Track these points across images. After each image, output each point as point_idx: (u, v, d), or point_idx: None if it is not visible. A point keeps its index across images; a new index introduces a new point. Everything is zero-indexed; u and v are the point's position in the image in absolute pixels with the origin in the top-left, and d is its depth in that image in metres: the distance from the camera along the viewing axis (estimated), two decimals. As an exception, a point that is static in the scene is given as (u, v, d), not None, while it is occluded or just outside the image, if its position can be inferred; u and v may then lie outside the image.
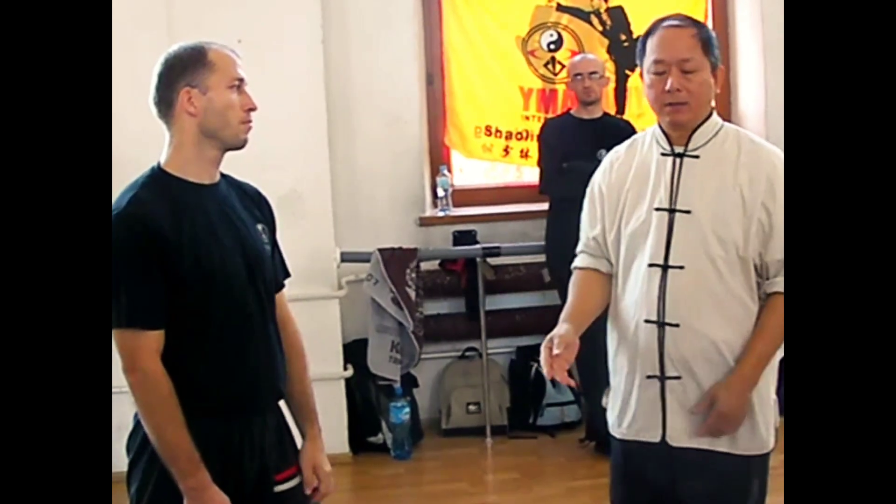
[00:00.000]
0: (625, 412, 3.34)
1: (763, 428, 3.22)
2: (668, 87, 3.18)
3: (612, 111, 6.90)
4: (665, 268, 3.20)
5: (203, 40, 3.09)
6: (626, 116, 6.99)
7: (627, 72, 7.21)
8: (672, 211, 3.20)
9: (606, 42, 7.22)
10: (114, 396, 6.06)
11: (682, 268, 3.18)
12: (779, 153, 3.19)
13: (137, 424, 3.04)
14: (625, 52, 7.17)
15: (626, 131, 5.50)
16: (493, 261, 6.59)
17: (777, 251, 3.12)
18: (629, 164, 3.34)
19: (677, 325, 3.18)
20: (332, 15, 6.54)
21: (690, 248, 3.18)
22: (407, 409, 6.47)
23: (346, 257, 6.44)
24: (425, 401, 6.98)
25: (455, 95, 7.19)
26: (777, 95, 6.93)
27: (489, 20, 7.18)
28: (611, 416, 3.40)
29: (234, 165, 3.23)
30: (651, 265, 3.21)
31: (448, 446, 6.66)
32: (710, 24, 7.29)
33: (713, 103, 3.29)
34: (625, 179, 3.33)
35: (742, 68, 7.34)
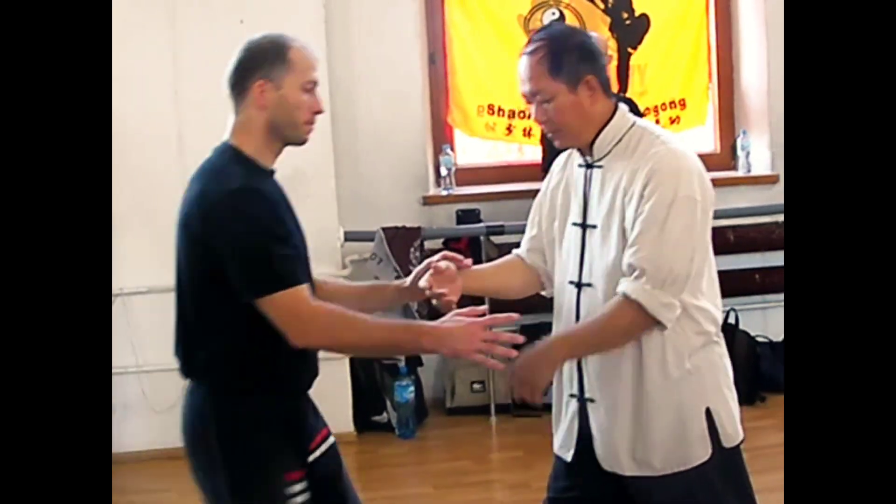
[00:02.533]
0: (555, 428, 3.34)
1: (695, 439, 3.09)
2: (534, 117, 3.15)
3: (615, 89, 6.89)
4: (579, 285, 3.15)
5: (288, 35, 3.13)
6: (628, 94, 6.98)
7: (630, 50, 7.19)
8: (584, 226, 3.14)
9: (608, 20, 7.20)
10: (118, 377, 6.07)
11: (590, 285, 3.12)
12: (660, 152, 3.00)
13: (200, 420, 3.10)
14: (627, 30, 7.16)
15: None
16: (496, 239, 6.58)
17: (628, 255, 2.98)
18: (563, 175, 3.29)
19: None
20: (334, -6, 6.55)
21: (596, 265, 3.10)
22: (411, 389, 6.49)
23: (349, 236, 6.45)
24: (430, 380, 6.99)
25: (457, 74, 7.18)
26: (779, 71, 6.91)
27: (491, -1, 7.17)
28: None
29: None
30: (570, 282, 3.18)
31: (452, 425, 6.68)
32: (711, 0, 7.29)
33: (610, 107, 3.12)
34: (557, 193, 3.28)
35: (744, 44, 7.32)
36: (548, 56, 3.06)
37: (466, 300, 3.26)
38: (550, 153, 6.30)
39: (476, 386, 6.79)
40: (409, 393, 6.47)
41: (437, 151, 7.06)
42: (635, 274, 2.95)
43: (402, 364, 6.47)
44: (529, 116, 7.15)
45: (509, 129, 7.23)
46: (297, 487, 3.09)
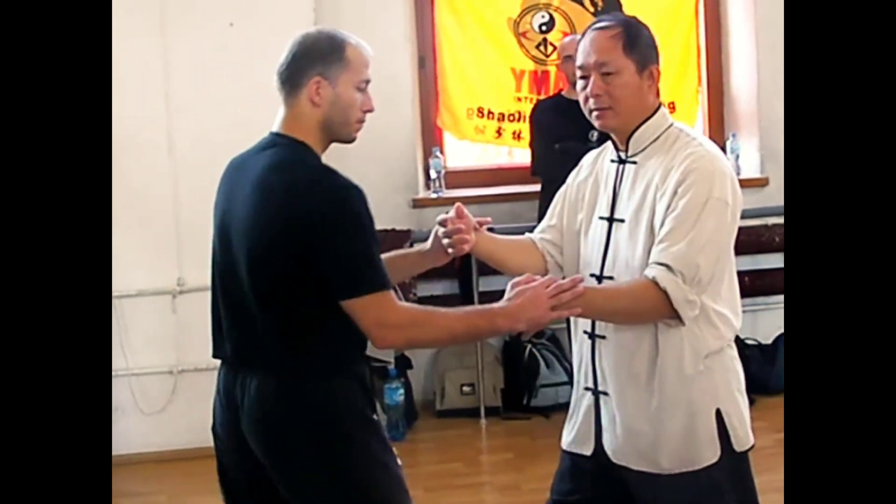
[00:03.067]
0: (569, 424, 3.34)
1: (705, 439, 3.08)
2: (588, 91, 3.11)
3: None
4: (600, 278, 3.15)
5: (343, 32, 3.18)
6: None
7: (619, 52, 7.20)
8: (611, 220, 3.15)
9: (598, 23, 7.21)
10: (114, 379, 6.05)
11: (611, 279, 3.13)
12: (697, 152, 3.02)
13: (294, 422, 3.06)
14: (616, 32, 7.16)
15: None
16: (486, 242, 6.58)
17: (658, 250, 2.98)
18: (592, 170, 3.31)
19: (604, 338, 3.16)
20: (323, -3, 6.56)
21: (620, 259, 3.11)
22: (401, 391, 6.49)
23: (339, 239, 6.44)
24: (419, 382, 7.00)
25: (447, 77, 7.19)
26: (769, 75, 6.94)
27: (481, 2, 7.17)
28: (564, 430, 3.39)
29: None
30: (591, 275, 3.18)
31: (442, 427, 6.68)
32: (700, 4, 7.30)
33: (657, 103, 3.15)
34: (585, 186, 3.30)
35: (734, 47, 7.34)
36: (624, 34, 3.09)
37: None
38: (540, 156, 6.34)
39: (465, 388, 6.79)
40: (399, 395, 6.47)
41: (427, 154, 7.06)
42: (665, 267, 2.95)
43: (391, 366, 6.46)
44: (519, 119, 7.20)
45: (499, 132, 7.24)
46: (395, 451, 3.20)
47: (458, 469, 6.04)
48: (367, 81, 3.16)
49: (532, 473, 5.79)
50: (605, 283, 3.14)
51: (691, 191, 2.97)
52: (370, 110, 3.18)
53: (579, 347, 3.28)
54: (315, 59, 3.07)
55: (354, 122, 3.15)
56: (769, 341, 6.94)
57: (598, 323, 3.16)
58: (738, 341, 6.71)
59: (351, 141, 3.18)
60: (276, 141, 3.10)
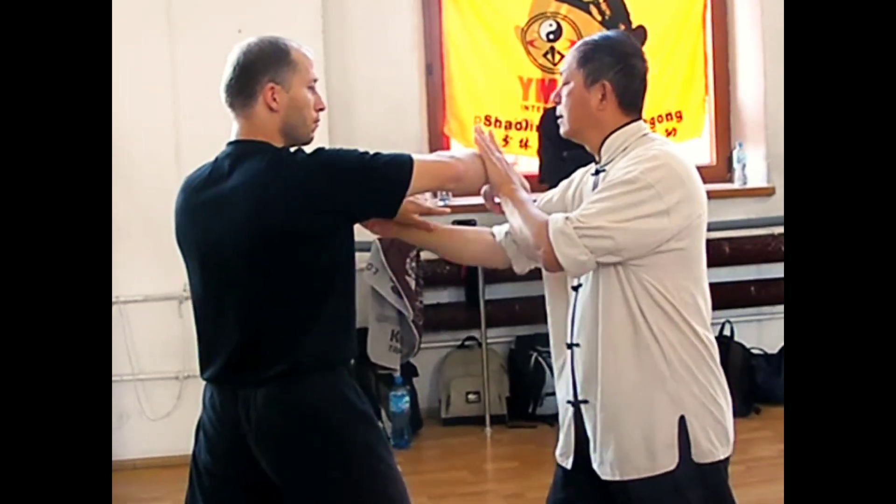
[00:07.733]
0: (559, 437, 3.34)
1: (662, 445, 3.06)
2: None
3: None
4: (576, 287, 3.18)
5: (281, 37, 3.20)
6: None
7: (627, 61, 7.21)
8: None
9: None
10: (114, 385, 6.06)
11: (581, 286, 3.16)
12: (645, 147, 3.09)
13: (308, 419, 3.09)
14: (624, 41, 7.17)
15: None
16: (492, 250, 6.58)
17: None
18: (579, 182, 3.34)
19: (578, 346, 3.17)
20: (331, 5, 6.56)
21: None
22: (406, 398, 6.49)
23: (345, 247, 6.44)
24: (425, 390, 7.00)
25: (454, 85, 7.20)
26: (776, 84, 6.94)
27: (488, 10, 7.19)
28: None
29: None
30: (572, 287, 3.21)
31: (447, 435, 6.69)
32: (708, 13, 7.31)
33: (624, 118, 3.18)
34: (573, 198, 3.32)
35: (741, 57, 7.35)
36: (583, 49, 3.22)
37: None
38: (548, 164, 6.34)
39: (471, 396, 6.80)
40: (404, 403, 6.47)
41: (434, 162, 7.06)
42: (567, 216, 3.01)
43: (397, 374, 6.47)
44: (526, 128, 7.21)
45: (506, 140, 7.24)
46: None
47: (463, 477, 6.04)
48: (315, 80, 3.19)
49: (537, 482, 5.76)
50: (580, 290, 3.17)
51: (619, 173, 3.04)
52: (322, 108, 3.21)
53: (560, 358, 3.28)
54: (264, 66, 3.10)
55: (311, 122, 3.18)
56: (775, 351, 6.93)
57: (575, 331, 3.17)
58: (744, 351, 6.78)
59: (310, 141, 3.19)
60: (247, 149, 3.10)
